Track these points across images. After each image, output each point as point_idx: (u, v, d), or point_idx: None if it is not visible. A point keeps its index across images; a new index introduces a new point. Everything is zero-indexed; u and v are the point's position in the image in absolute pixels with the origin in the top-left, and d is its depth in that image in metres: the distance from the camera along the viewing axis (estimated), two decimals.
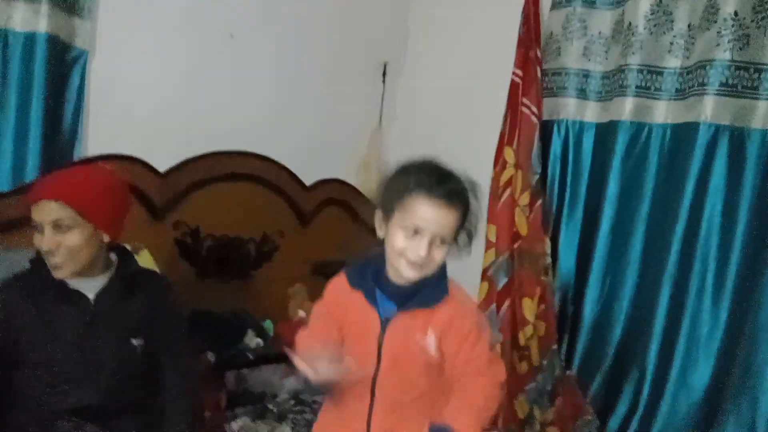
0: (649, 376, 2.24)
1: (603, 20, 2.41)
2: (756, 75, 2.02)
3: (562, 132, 2.50)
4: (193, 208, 2.31)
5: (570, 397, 2.34)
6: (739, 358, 2.09)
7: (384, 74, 3.08)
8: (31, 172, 2.01)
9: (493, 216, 2.37)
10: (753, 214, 2.07)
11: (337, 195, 2.75)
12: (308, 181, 2.63)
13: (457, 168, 1.23)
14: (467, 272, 1.79)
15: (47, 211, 1.39)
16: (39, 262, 1.46)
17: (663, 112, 2.24)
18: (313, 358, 1.14)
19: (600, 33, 2.42)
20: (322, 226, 2.69)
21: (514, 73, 2.41)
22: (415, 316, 1.21)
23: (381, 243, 1.26)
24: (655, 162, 2.26)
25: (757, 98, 2.03)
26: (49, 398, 1.39)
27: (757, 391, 2.05)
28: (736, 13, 2.01)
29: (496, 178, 2.42)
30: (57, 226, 1.39)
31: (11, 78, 1.98)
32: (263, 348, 2.25)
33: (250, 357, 2.17)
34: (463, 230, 1.21)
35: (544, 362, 2.35)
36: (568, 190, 2.50)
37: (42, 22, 1.96)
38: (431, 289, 1.22)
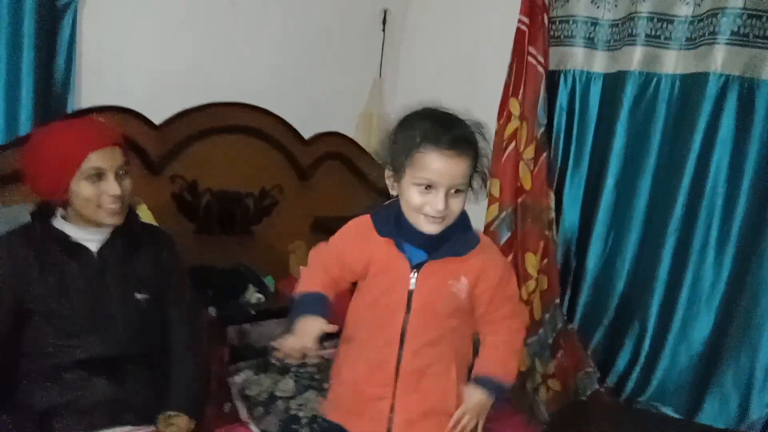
0: (650, 330, 2.26)
1: None
2: None
3: (569, 83, 2.44)
4: (191, 162, 2.27)
5: (571, 350, 2.36)
6: (739, 312, 2.11)
7: (384, 22, 2.99)
8: (24, 125, 1.98)
9: (496, 170, 2.33)
10: (760, 168, 2.06)
11: (336, 149, 2.69)
12: (307, 135, 2.59)
13: (460, 110, 1.20)
14: None
15: (115, 157, 1.41)
16: (40, 215, 1.44)
17: (672, 62, 2.19)
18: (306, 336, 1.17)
19: None
20: (321, 181, 2.65)
21: (520, 21, 2.33)
22: (447, 263, 1.22)
23: (383, 201, 1.25)
24: (662, 114, 2.23)
25: None
26: (58, 350, 1.39)
27: (756, 344, 2.08)
28: None
29: (500, 131, 2.36)
30: (119, 171, 1.42)
31: (0, 28, 1.92)
32: (264, 303, 2.26)
33: (252, 312, 2.17)
34: (476, 174, 1.20)
35: (546, 316, 2.36)
36: (573, 143, 2.45)
37: None
38: (462, 236, 1.23)
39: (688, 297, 2.18)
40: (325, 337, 1.19)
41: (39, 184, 1.43)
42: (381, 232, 1.23)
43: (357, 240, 1.27)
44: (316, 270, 1.32)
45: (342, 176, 2.73)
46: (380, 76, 3.01)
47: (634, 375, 2.28)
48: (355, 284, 1.33)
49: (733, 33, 2.01)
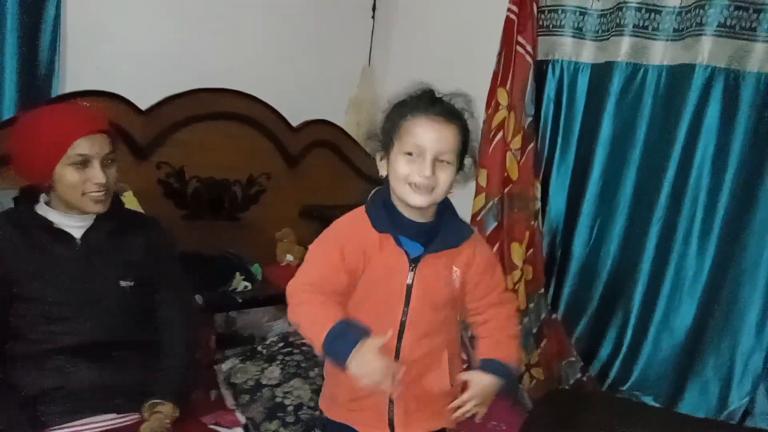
0: (633, 319, 2.28)
1: None
2: (755, 15, 1.99)
3: (557, 73, 2.44)
4: (178, 149, 2.26)
5: (555, 339, 2.38)
6: (721, 301, 2.13)
7: (374, 9, 2.97)
8: (8, 109, 1.96)
9: (484, 160, 2.33)
10: (744, 159, 2.07)
11: (325, 137, 2.68)
12: (296, 123, 2.57)
13: (452, 89, 1.21)
14: None
15: (102, 145, 1.40)
16: (24, 199, 1.43)
17: (660, 53, 2.20)
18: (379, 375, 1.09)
19: None
20: (309, 169, 2.64)
21: (509, 9, 2.32)
22: (442, 255, 1.23)
23: (371, 189, 1.24)
24: (649, 105, 2.24)
25: (754, 40, 2.00)
26: (45, 336, 1.38)
27: (737, 334, 2.11)
28: None
29: (488, 121, 2.36)
30: (106, 160, 1.41)
31: None
32: (251, 291, 2.25)
33: (239, 300, 2.17)
34: (466, 154, 1.20)
35: (531, 305, 2.37)
36: (560, 133, 2.46)
37: None
38: (455, 228, 1.24)
39: (671, 287, 2.20)
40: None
41: (24, 166, 1.42)
42: (379, 228, 1.22)
43: (357, 237, 1.22)
44: (315, 299, 1.19)
45: (330, 164, 2.72)
46: (369, 63, 3.00)
47: (617, 364, 2.31)
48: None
49: (719, 24, 2.01)
